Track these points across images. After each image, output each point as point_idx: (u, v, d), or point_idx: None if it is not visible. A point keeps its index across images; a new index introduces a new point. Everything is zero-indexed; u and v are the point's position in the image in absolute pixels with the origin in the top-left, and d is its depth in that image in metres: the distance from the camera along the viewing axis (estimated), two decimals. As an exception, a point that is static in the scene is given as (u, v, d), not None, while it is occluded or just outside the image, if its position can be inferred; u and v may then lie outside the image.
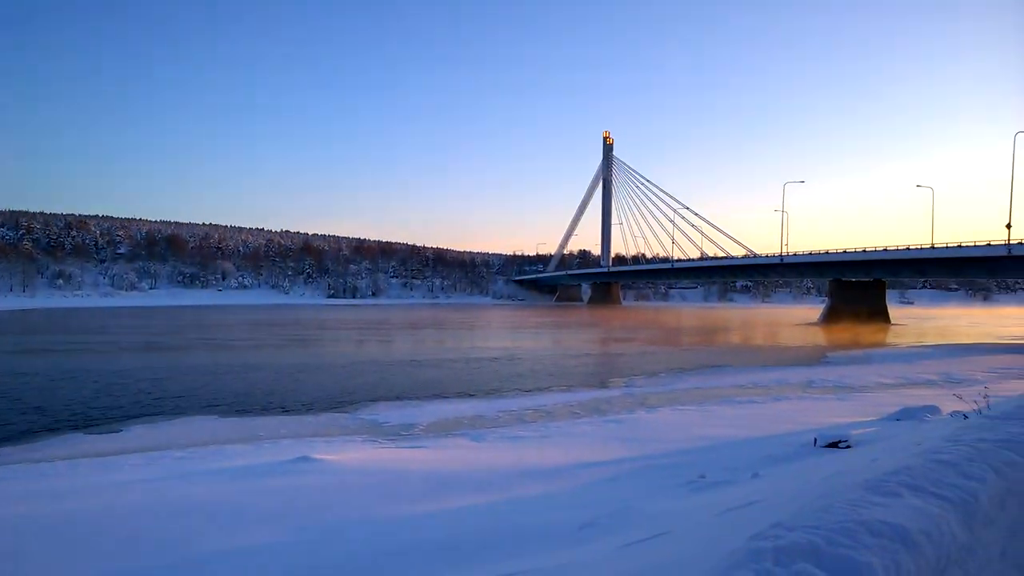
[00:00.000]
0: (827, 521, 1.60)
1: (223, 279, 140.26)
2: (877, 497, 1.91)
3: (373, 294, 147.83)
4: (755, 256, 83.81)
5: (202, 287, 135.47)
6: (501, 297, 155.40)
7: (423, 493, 8.33)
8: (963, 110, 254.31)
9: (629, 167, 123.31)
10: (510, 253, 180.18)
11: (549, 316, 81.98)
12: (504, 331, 53.44)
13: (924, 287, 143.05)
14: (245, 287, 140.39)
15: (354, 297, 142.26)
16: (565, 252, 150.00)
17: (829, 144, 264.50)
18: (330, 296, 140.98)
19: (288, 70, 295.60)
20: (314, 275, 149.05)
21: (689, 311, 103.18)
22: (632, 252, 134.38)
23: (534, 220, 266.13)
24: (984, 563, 1.98)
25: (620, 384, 23.00)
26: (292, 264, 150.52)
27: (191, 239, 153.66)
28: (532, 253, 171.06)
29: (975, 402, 8.51)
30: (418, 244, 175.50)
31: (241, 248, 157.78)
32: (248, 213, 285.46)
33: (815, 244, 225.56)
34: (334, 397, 18.87)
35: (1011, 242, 46.43)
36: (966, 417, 7.58)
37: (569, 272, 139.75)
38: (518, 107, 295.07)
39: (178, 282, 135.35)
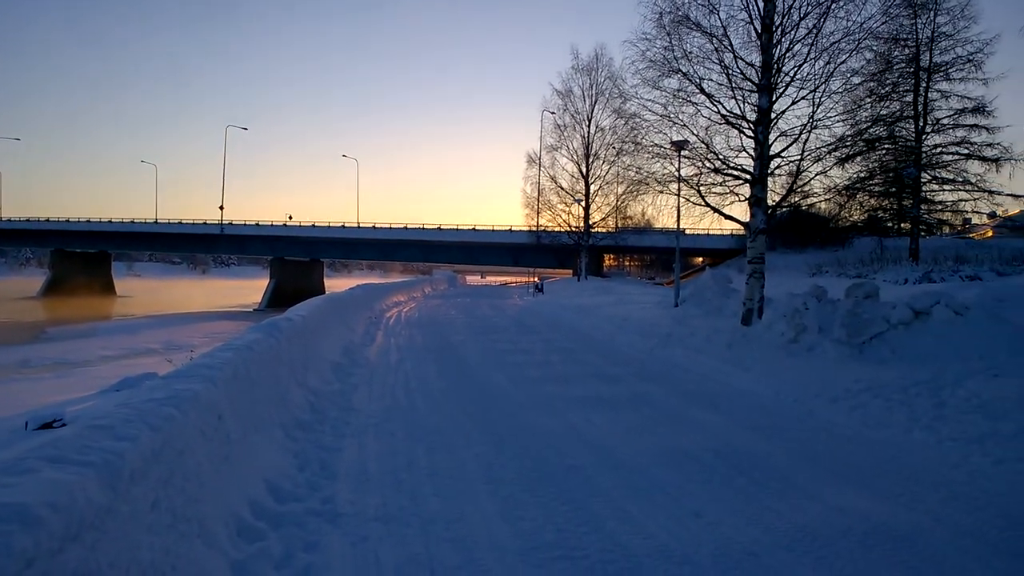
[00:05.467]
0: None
1: None
2: (8, 478, 1.82)
3: None
4: (-45, 219, 69.21)
5: None
6: None
7: None
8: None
9: None
10: None
11: None
12: None
13: (151, 260, 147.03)
14: None
15: None
16: None
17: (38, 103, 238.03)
18: None
19: None
20: None
21: None
22: None
23: None
24: (128, 518, 2.16)
25: None
26: None
27: None
28: None
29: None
30: None
31: None
32: None
33: (39, 211, 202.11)
34: None
35: (224, 222, 53.00)
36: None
37: None
38: None
39: None
